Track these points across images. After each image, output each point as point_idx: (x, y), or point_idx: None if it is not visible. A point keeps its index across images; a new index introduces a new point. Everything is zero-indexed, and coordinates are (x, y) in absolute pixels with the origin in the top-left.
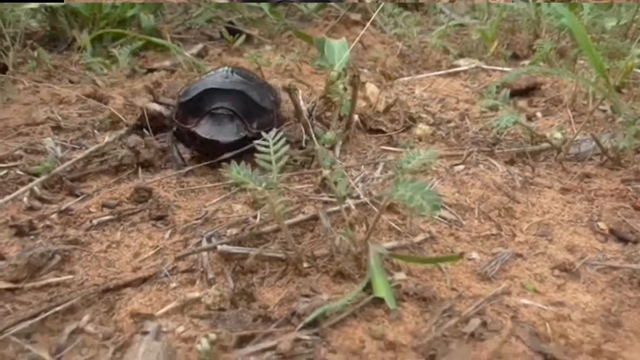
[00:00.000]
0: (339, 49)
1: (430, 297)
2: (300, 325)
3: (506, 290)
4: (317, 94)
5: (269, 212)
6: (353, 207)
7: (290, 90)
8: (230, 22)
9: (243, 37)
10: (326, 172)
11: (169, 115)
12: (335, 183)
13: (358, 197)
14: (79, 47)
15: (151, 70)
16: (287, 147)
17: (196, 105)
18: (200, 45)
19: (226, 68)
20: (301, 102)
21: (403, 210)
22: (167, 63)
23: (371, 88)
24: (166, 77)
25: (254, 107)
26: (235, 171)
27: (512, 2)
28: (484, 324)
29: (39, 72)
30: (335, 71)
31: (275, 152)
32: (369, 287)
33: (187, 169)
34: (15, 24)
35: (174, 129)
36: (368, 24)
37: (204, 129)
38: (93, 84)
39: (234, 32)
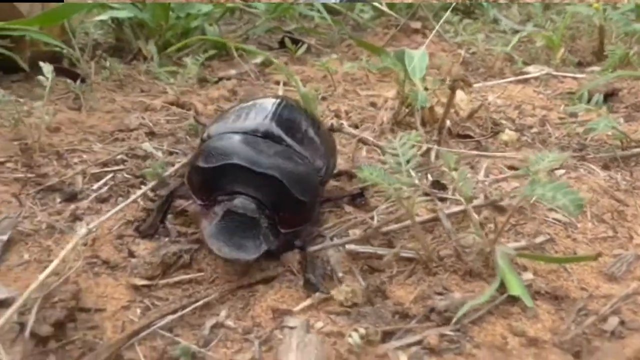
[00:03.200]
0: (419, 58)
1: (563, 296)
2: (442, 321)
3: (637, 290)
4: (388, 100)
5: (405, 210)
6: (470, 208)
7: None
8: (289, 32)
9: (304, 46)
10: (453, 173)
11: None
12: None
13: (474, 198)
14: (145, 57)
15: (220, 79)
16: (414, 150)
17: (214, 181)
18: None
19: (272, 107)
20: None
21: (518, 213)
22: (232, 72)
23: (460, 94)
24: (237, 85)
25: (289, 202)
26: (368, 172)
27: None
28: (622, 322)
29: (110, 82)
30: (418, 79)
31: (404, 154)
32: (500, 287)
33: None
34: (84, 36)
35: (171, 191)
36: (433, 32)
37: (215, 237)
38: (165, 93)
39: (293, 41)
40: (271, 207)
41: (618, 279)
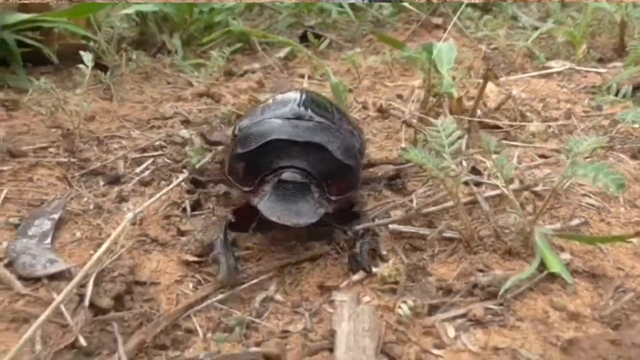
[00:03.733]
0: (447, 51)
1: (600, 275)
2: (485, 295)
3: None
4: (414, 91)
5: (444, 192)
6: (506, 191)
7: None
8: (310, 27)
9: (327, 41)
10: (494, 156)
11: (213, 169)
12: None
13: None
14: (169, 51)
15: (245, 73)
16: (458, 132)
17: (258, 162)
18: (287, 49)
19: (297, 96)
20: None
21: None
22: (256, 66)
23: (490, 86)
24: (264, 78)
25: (336, 167)
26: (413, 153)
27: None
28: None
29: (136, 74)
30: (446, 70)
31: (447, 136)
32: (540, 266)
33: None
34: (108, 29)
35: (229, 217)
36: (451, 24)
37: (271, 207)
38: (190, 85)
39: (315, 36)
40: (318, 176)
41: None
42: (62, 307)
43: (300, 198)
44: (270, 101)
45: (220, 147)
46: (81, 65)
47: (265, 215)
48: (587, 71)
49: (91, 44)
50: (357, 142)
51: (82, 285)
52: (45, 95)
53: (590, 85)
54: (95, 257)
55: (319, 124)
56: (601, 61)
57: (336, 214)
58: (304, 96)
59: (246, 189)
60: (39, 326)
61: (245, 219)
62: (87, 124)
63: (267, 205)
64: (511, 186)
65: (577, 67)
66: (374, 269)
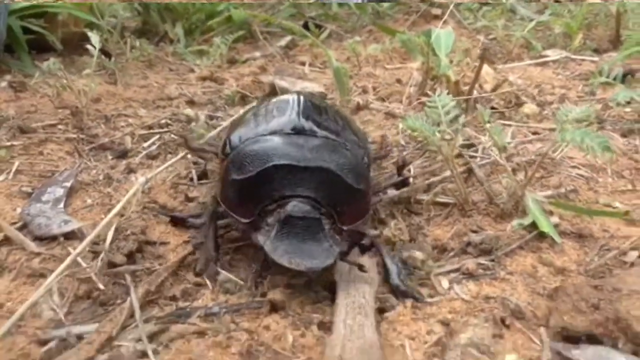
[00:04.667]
0: (446, 36)
1: (586, 236)
2: (478, 253)
3: None
4: (412, 74)
5: (444, 158)
6: (502, 162)
7: None
8: (311, 18)
9: (327, 31)
10: (487, 126)
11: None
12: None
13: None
14: (171, 40)
15: (247, 60)
16: (454, 103)
17: (258, 191)
18: (288, 38)
19: (294, 104)
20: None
21: (543, 169)
22: (257, 54)
23: (486, 68)
24: (266, 64)
25: (347, 194)
26: (412, 122)
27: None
28: None
29: (139, 62)
30: (444, 55)
31: (443, 106)
32: (529, 227)
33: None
34: (110, 18)
35: (209, 228)
36: (446, 16)
37: (279, 248)
38: (193, 72)
39: (316, 26)
40: (328, 204)
41: (636, 223)
42: (79, 259)
43: (312, 236)
44: (264, 109)
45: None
46: (88, 46)
47: (273, 259)
48: (582, 60)
49: (94, 32)
50: (365, 154)
51: (96, 243)
52: (52, 79)
53: (584, 73)
54: (110, 215)
55: (324, 140)
56: (597, 51)
57: (349, 247)
58: (302, 103)
59: (245, 220)
60: (57, 275)
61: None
62: (94, 105)
63: (274, 247)
64: (504, 154)
65: (573, 56)
66: (375, 232)
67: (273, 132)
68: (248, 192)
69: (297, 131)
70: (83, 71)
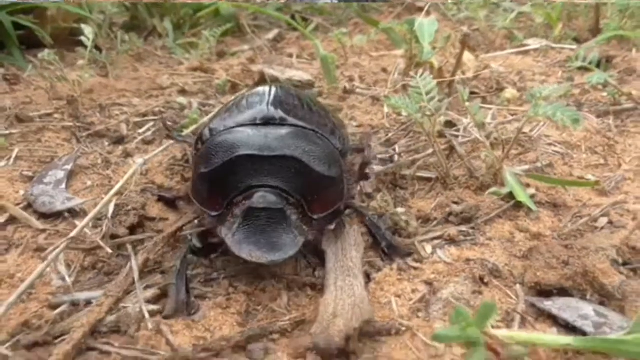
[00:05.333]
0: (428, 25)
1: (561, 205)
2: (459, 221)
3: (623, 200)
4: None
5: (426, 134)
6: (481, 138)
7: None
8: (298, 12)
9: (313, 24)
10: (467, 104)
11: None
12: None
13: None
14: (160, 35)
15: (235, 53)
16: (435, 83)
17: (224, 183)
18: (275, 31)
19: (265, 95)
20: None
21: (521, 146)
22: (245, 47)
23: (467, 55)
24: (255, 56)
25: (316, 181)
26: (394, 101)
27: None
28: (610, 222)
29: (128, 56)
30: (427, 42)
31: (425, 86)
32: (507, 197)
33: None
34: (99, 17)
35: (194, 241)
36: (427, 6)
37: (240, 241)
38: (182, 65)
39: (302, 19)
40: (296, 193)
41: (607, 194)
42: (86, 230)
43: (274, 228)
44: (238, 102)
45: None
46: (82, 38)
47: (233, 252)
48: (562, 48)
49: (83, 26)
50: (339, 141)
51: (98, 219)
52: (46, 71)
53: (564, 61)
54: (112, 192)
55: (293, 128)
56: (577, 40)
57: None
58: (273, 93)
59: (214, 213)
60: (65, 243)
61: (212, 244)
62: (88, 95)
63: (235, 240)
64: (483, 132)
65: (553, 45)
66: (364, 204)
67: (242, 124)
68: (215, 184)
69: (266, 121)
70: (74, 65)
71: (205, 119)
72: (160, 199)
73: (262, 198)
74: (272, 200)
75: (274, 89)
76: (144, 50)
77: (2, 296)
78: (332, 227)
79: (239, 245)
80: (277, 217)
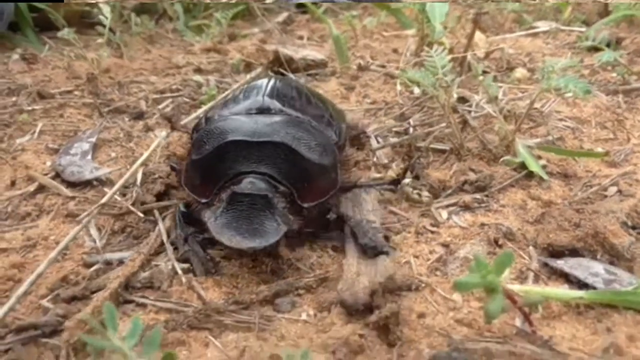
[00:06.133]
0: (439, 6)
1: (571, 175)
2: (473, 189)
3: (632, 171)
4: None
5: (441, 105)
6: (493, 112)
7: None
8: None
9: (323, 7)
10: (480, 77)
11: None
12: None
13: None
14: (170, 18)
15: (246, 36)
16: (449, 58)
17: (213, 169)
18: (285, 14)
19: (263, 86)
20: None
21: (532, 121)
22: (256, 30)
23: (479, 35)
24: (264, 39)
25: (306, 169)
26: (410, 74)
27: None
28: (619, 191)
29: (140, 38)
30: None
31: (442, 59)
32: (519, 168)
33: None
34: None
35: (181, 207)
36: None
37: (222, 226)
38: (193, 46)
39: (312, 4)
40: (285, 180)
41: (617, 165)
42: (116, 197)
43: (257, 214)
44: (237, 93)
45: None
46: (100, 16)
47: (216, 237)
48: (572, 30)
49: (95, 10)
50: (335, 131)
51: (126, 187)
52: (64, 51)
53: (574, 42)
54: (138, 162)
55: (286, 117)
56: (586, 23)
57: (314, 225)
58: (271, 84)
59: (204, 200)
60: (96, 211)
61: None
62: (105, 74)
63: (217, 224)
64: (495, 105)
65: (563, 27)
66: (378, 175)
67: (237, 113)
68: (205, 171)
69: (261, 110)
70: (88, 47)
71: (225, 93)
72: (172, 168)
73: (249, 184)
74: (259, 187)
75: (272, 81)
76: (155, 32)
77: (38, 257)
78: (332, 216)
79: (220, 229)
80: (261, 203)
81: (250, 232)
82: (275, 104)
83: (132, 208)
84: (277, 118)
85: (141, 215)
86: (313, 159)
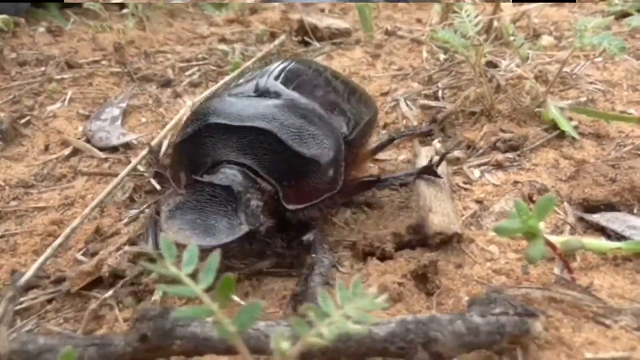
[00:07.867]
0: None
1: (604, 136)
2: (506, 148)
3: None
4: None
5: (472, 66)
6: (524, 73)
7: None
8: None
9: None
10: (511, 39)
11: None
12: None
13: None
14: None
15: (267, 9)
16: (478, 18)
17: (190, 156)
18: None
19: (276, 66)
20: None
21: (562, 84)
22: (275, 4)
23: (504, 4)
24: (288, 9)
25: (291, 162)
26: (442, 34)
27: None
28: None
29: (161, 13)
30: None
31: (471, 21)
32: (551, 128)
33: None
34: None
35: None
36: None
37: (174, 218)
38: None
39: None
40: (268, 176)
41: None
42: (139, 166)
43: (217, 208)
44: (249, 73)
45: None
46: None
47: (163, 230)
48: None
49: None
50: (347, 124)
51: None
52: (86, 27)
53: (601, 11)
54: (166, 129)
55: (284, 101)
56: None
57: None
58: (282, 66)
59: (181, 190)
60: (131, 169)
61: None
62: (130, 45)
63: (170, 215)
64: (526, 66)
65: None
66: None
67: (236, 94)
68: (182, 157)
69: (260, 92)
70: (109, 20)
71: (251, 60)
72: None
73: (221, 174)
74: (232, 179)
75: (286, 62)
76: (176, 7)
77: (76, 214)
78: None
79: (171, 220)
80: (222, 196)
81: (203, 228)
82: (278, 86)
83: (161, 171)
84: (272, 101)
85: (157, 186)
86: (304, 152)
